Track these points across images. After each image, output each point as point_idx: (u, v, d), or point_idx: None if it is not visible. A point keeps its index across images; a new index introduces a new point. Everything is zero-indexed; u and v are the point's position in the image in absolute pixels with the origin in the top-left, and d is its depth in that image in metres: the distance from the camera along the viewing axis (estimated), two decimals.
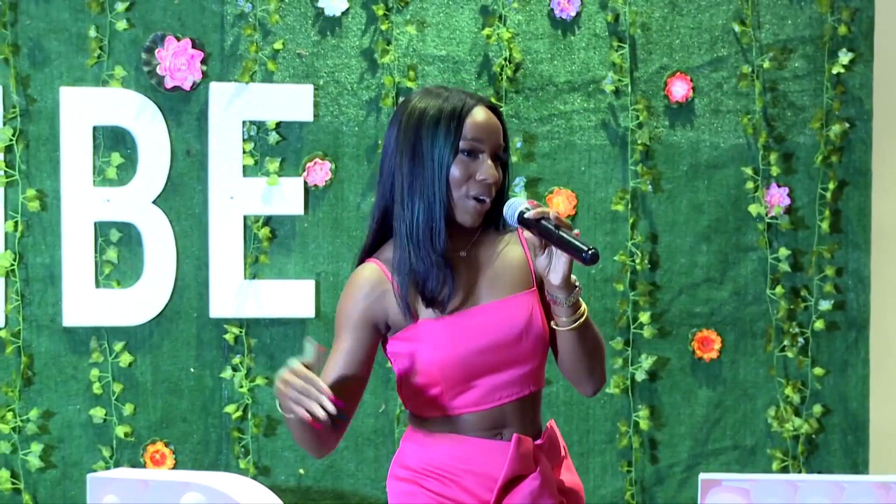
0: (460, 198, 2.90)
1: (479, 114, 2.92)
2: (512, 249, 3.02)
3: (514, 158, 5.11)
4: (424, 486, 2.96)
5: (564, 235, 2.78)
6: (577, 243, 2.75)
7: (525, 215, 2.84)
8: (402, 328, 2.95)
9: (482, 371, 2.92)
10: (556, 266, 2.83)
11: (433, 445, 2.97)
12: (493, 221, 3.01)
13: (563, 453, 3.07)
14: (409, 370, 2.95)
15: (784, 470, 5.17)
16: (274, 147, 5.06)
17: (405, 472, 3.01)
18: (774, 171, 5.20)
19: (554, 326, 2.94)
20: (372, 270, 2.96)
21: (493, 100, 5.10)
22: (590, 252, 2.72)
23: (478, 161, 2.90)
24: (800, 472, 5.17)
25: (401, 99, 5.07)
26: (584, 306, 2.92)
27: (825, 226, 5.25)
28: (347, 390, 2.88)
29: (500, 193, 2.97)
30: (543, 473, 2.97)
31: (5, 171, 4.94)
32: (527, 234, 2.87)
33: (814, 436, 5.23)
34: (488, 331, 2.92)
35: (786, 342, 5.24)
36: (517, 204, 2.87)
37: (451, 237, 2.95)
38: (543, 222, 2.81)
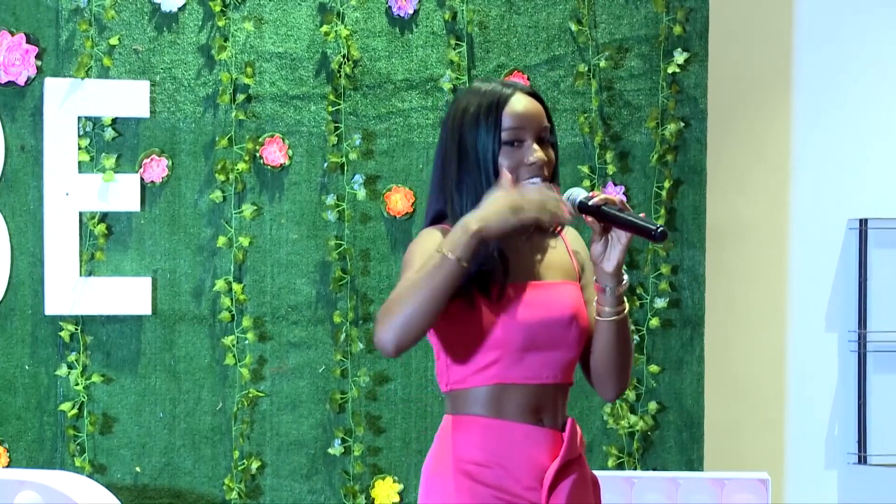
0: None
1: (517, 102, 2.96)
2: (558, 246, 3.08)
3: (352, 156, 5.11)
4: (480, 480, 2.95)
5: (631, 217, 2.85)
6: (644, 223, 2.83)
7: (589, 203, 2.89)
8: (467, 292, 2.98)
9: (537, 344, 2.95)
10: (610, 254, 2.90)
11: (485, 433, 2.97)
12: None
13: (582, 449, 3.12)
14: (468, 332, 2.96)
15: (620, 467, 5.19)
16: (110, 143, 5.03)
17: (456, 465, 2.97)
18: (611, 169, 5.22)
19: (596, 317, 2.98)
20: (443, 232, 2.96)
21: (331, 97, 5.12)
22: (658, 230, 2.80)
23: (523, 148, 2.94)
24: (635, 468, 5.20)
25: (238, 95, 5.07)
26: (626, 302, 2.98)
27: (660, 224, 5.27)
28: None
29: (553, 175, 3.00)
30: (585, 464, 3.04)
31: None
32: (588, 219, 2.90)
33: (649, 433, 5.26)
34: (547, 305, 2.97)
35: None
36: (576, 193, 2.92)
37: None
38: (606, 207, 2.87)
